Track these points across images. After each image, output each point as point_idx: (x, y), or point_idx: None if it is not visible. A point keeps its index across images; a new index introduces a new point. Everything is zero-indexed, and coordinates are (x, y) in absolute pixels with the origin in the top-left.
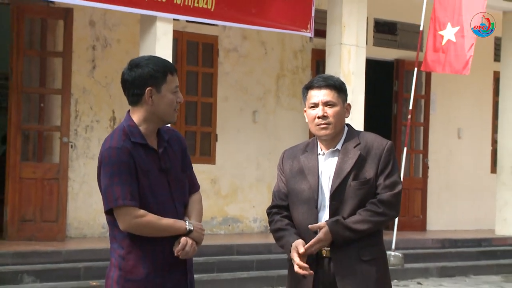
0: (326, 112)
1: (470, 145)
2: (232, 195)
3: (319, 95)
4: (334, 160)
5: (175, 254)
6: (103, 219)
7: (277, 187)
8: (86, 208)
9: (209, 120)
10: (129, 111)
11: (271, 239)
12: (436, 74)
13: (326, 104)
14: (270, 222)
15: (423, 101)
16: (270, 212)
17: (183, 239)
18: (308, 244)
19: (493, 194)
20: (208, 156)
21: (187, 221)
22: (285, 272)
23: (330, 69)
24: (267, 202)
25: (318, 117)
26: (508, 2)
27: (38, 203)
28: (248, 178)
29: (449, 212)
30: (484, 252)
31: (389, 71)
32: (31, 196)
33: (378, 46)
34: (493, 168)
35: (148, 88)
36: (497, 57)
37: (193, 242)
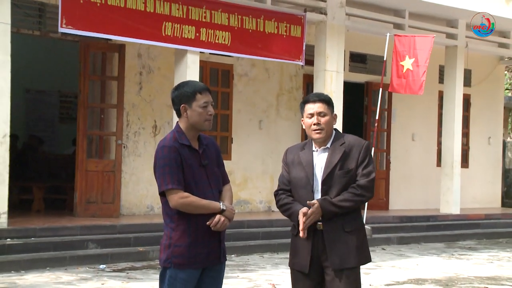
0: (320, 121)
1: (421, 146)
2: (243, 184)
3: (314, 107)
4: (325, 155)
5: (212, 227)
6: (147, 201)
7: (281, 176)
8: (134, 193)
9: (226, 127)
10: (178, 121)
11: (273, 216)
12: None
13: (320, 114)
14: (278, 200)
15: (386, 113)
16: (277, 193)
17: (217, 216)
18: (305, 216)
19: (438, 182)
20: (226, 154)
21: (221, 203)
22: (283, 240)
23: (317, 90)
24: (270, 188)
25: (314, 124)
26: (449, 39)
27: (99, 189)
28: (255, 171)
29: (405, 196)
30: (432, 226)
31: (361, 90)
32: (94, 184)
33: (353, 72)
34: (438, 163)
35: (183, 105)
36: (441, 80)
37: (225, 218)
